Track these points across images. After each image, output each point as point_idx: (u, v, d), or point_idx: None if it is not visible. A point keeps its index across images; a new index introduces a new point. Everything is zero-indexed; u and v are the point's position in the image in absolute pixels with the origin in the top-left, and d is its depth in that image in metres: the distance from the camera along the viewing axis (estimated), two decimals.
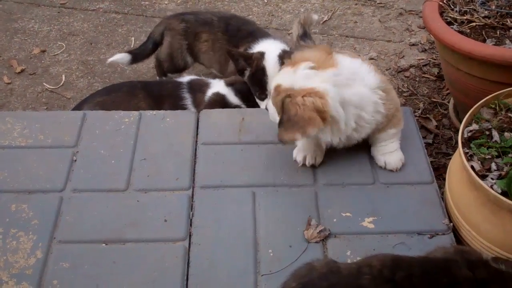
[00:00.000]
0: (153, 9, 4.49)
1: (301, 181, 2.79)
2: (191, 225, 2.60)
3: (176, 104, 3.32)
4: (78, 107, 3.35)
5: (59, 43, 4.14)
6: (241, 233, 2.57)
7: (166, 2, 4.56)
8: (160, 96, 3.36)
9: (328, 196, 2.72)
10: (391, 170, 2.83)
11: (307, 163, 2.84)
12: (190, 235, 2.56)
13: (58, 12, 4.44)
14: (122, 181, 2.77)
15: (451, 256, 2.09)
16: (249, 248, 2.51)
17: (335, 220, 2.62)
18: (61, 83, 3.83)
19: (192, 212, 2.65)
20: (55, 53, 4.06)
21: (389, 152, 2.84)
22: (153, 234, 2.56)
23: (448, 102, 3.62)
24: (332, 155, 2.89)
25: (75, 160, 2.87)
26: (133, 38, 4.19)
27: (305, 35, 3.05)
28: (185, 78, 3.47)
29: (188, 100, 3.36)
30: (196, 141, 2.98)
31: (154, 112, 3.12)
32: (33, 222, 2.59)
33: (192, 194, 2.73)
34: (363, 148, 2.91)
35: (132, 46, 4.11)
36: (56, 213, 2.62)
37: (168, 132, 3.02)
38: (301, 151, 2.85)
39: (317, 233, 2.55)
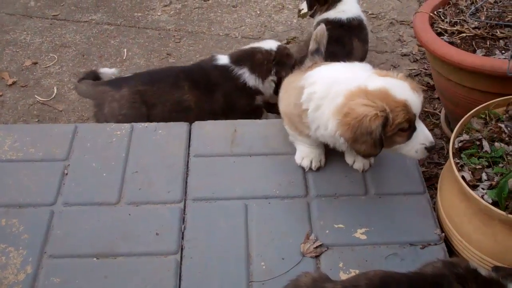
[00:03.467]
0: (146, 20, 4.50)
1: (294, 193, 2.79)
2: (183, 238, 2.60)
3: (231, 90, 3.36)
4: (117, 86, 3.27)
5: (51, 55, 4.14)
6: (233, 246, 2.56)
7: (159, 13, 4.56)
8: (209, 84, 3.34)
9: (320, 208, 2.72)
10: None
11: (313, 167, 2.86)
12: (182, 249, 2.55)
13: (50, 24, 4.44)
14: (113, 194, 2.76)
15: (440, 271, 2.09)
16: (242, 261, 2.51)
17: (327, 231, 2.62)
18: (53, 95, 3.82)
19: (184, 225, 2.65)
20: (47, 65, 4.05)
21: None
22: (145, 247, 2.55)
23: (440, 112, 3.63)
24: (324, 166, 2.89)
25: (66, 174, 2.86)
26: (125, 50, 4.19)
27: (317, 52, 3.06)
28: (222, 58, 3.45)
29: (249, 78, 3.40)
30: (188, 153, 2.98)
31: (146, 124, 3.12)
32: (23, 236, 2.58)
33: (184, 207, 2.72)
34: None
35: (124, 58, 4.11)
36: (47, 227, 2.61)
37: (160, 144, 3.01)
38: (306, 156, 2.87)
39: (314, 248, 2.55)
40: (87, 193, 2.77)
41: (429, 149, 2.48)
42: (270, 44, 3.52)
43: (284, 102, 2.86)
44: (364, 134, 2.36)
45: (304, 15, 3.88)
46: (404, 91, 2.43)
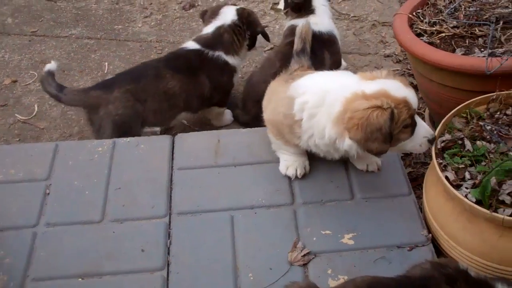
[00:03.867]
0: (127, 33, 4.47)
1: (280, 201, 2.77)
2: (169, 253, 2.57)
3: (214, 71, 3.46)
4: (107, 88, 3.30)
5: (31, 72, 4.11)
6: (220, 258, 2.54)
7: (139, 25, 4.54)
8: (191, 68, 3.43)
9: (307, 215, 2.71)
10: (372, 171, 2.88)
11: (298, 174, 2.85)
12: (168, 264, 2.53)
13: (29, 41, 4.40)
14: (97, 212, 2.74)
15: (428, 273, 2.07)
16: (229, 273, 2.49)
17: (315, 238, 2.61)
18: (34, 113, 3.79)
19: (169, 240, 2.62)
20: (27, 83, 4.02)
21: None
22: (131, 265, 2.53)
23: (424, 111, 3.62)
24: (309, 172, 2.88)
25: (48, 193, 2.83)
26: (106, 63, 4.16)
27: (302, 52, 3.04)
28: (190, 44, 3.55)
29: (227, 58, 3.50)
30: (172, 167, 2.96)
31: (128, 139, 3.10)
32: (5, 261, 2.54)
33: (169, 222, 2.70)
34: (339, 164, 2.91)
35: (106, 71, 4.08)
36: (29, 249, 2.58)
37: (142, 159, 2.99)
38: (290, 165, 2.86)
39: (302, 256, 2.53)
40: (70, 212, 2.75)
41: (432, 141, 2.51)
42: (229, 15, 3.57)
43: (270, 111, 2.83)
44: (374, 131, 2.37)
45: (277, 10, 3.89)
46: (401, 89, 2.47)
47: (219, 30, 3.54)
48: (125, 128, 3.28)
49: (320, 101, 2.53)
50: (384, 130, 2.37)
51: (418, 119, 2.52)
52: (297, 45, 3.06)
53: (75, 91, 3.40)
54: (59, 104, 3.80)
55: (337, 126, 2.46)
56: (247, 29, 3.59)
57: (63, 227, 2.69)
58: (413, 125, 2.49)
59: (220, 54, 3.50)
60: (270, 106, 2.84)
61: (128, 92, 3.30)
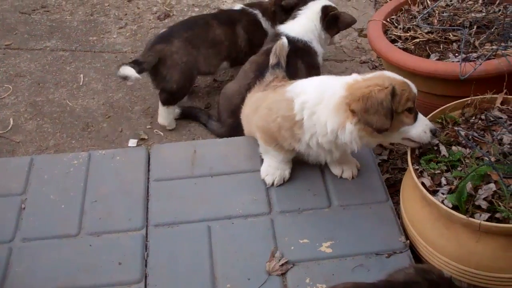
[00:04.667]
0: (101, 44, 4.44)
1: (257, 211, 2.77)
2: (146, 266, 2.55)
3: (249, 25, 3.83)
4: (167, 41, 3.60)
5: (6, 85, 4.06)
6: (198, 269, 2.53)
7: (114, 36, 4.51)
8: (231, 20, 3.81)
9: (284, 224, 2.70)
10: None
11: (275, 184, 2.86)
12: (146, 277, 2.51)
13: (4, 54, 4.36)
14: (73, 226, 2.71)
15: (412, 278, 2.07)
16: (207, 284, 2.47)
17: (292, 248, 2.60)
18: (9, 127, 3.74)
19: (147, 252, 2.60)
20: (2, 96, 3.97)
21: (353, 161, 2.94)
22: (108, 279, 2.50)
23: None
24: (287, 181, 2.88)
25: (24, 208, 2.80)
26: (82, 75, 4.13)
27: (277, 65, 3.11)
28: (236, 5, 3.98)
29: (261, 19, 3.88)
30: (148, 178, 2.94)
31: (104, 151, 3.07)
32: None
33: (146, 234, 2.68)
34: (316, 171, 2.91)
35: (81, 83, 4.05)
36: (4, 265, 2.55)
37: (118, 171, 2.97)
38: (271, 173, 2.87)
39: (280, 266, 2.52)
40: (46, 226, 2.72)
41: (434, 132, 2.58)
42: None
43: (261, 118, 2.81)
44: (375, 104, 2.43)
45: None
46: (399, 76, 2.59)
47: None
48: (189, 74, 3.65)
49: (319, 97, 2.59)
50: (385, 104, 2.43)
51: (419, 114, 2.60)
52: (272, 60, 3.13)
53: (145, 54, 3.63)
54: (34, 117, 3.77)
55: (338, 114, 2.52)
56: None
57: (39, 241, 2.66)
58: (416, 112, 2.56)
59: (257, 12, 3.88)
60: (260, 114, 2.84)
61: (186, 40, 3.62)
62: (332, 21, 3.64)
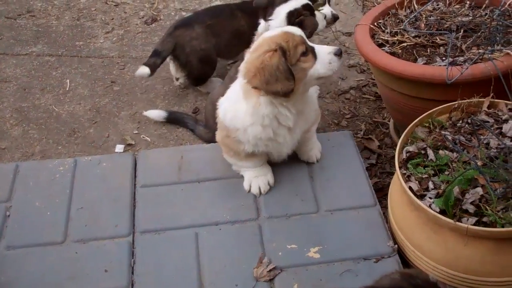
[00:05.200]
0: (88, 49, 4.41)
1: (244, 216, 2.75)
2: (133, 273, 2.54)
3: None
4: (188, 26, 3.74)
5: None
6: (185, 276, 2.51)
7: (101, 41, 4.49)
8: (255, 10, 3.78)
9: (272, 229, 2.69)
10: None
11: (263, 191, 2.86)
12: (132, 284, 2.50)
13: None
14: (59, 233, 2.69)
15: (397, 284, 2.06)
16: None
17: (280, 253, 2.59)
18: None
19: (133, 260, 2.58)
20: None
21: (317, 146, 3.00)
22: (94, 286, 2.49)
23: (389, 121, 3.64)
24: (274, 186, 2.88)
25: (9, 215, 2.78)
26: (68, 81, 4.10)
27: None
28: None
29: None
30: (135, 184, 2.92)
31: (90, 157, 3.05)
32: None
33: (133, 241, 2.66)
34: (304, 176, 2.90)
35: (67, 89, 4.02)
36: None
37: (105, 177, 2.95)
38: (253, 183, 2.87)
39: (267, 271, 2.51)
40: (31, 234, 2.69)
41: (338, 53, 2.61)
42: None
43: (217, 132, 2.89)
44: (273, 72, 2.45)
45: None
46: (276, 29, 2.66)
47: None
48: (208, 60, 3.76)
49: (235, 95, 2.67)
50: (281, 67, 2.45)
51: (315, 44, 2.63)
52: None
53: (163, 41, 3.77)
54: (20, 123, 3.75)
55: (249, 98, 2.58)
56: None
57: (24, 249, 2.63)
58: (311, 50, 2.58)
59: None
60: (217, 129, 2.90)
61: (208, 27, 3.73)
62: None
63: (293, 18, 3.53)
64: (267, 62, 2.45)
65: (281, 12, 3.56)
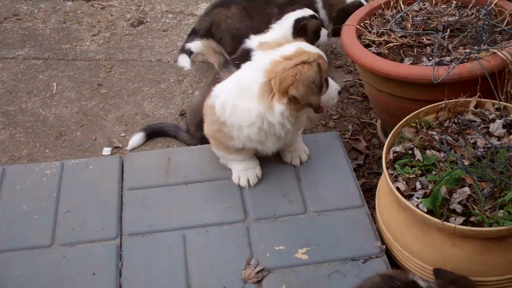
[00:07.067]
0: (75, 52, 4.40)
1: (232, 218, 2.75)
2: (120, 276, 2.52)
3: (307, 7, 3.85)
4: (226, 6, 3.91)
5: None
6: (173, 279, 2.50)
7: (87, 44, 4.47)
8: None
9: (260, 231, 2.69)
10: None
11: (251, 184, 2.88)
12: (120, 287, 2.49)
13: None
14: (46, 237, 2.67)
15: (378, 286, 2.07)
16: None
17: (268, 255, 2.58)
18: None
19: (121, 262, 2.57)
20: None
21: (301, 149, 3.01)
22: None
23: (376, 121, 3.64)
24: (262, 187, 2.87)
25: None
26: (55, 84, 4.08)
27: (227, 62, 3.12)
28: None
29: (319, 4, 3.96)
30: (122, 187, 2.91)
31: (77, 160, 3.04)
32: None
33: (120, 244, 2.65)
34: (292, 177, 2.90)
35: (54, 92, 4.00)
36: None
37: (92, 180, 2.93)
38: (242, 175, 2.88)
39: (255, 273, 2.51)
40: (18, 238, 2.67)
41: (340, 92, 2.78)
42: None
43: (205, 125, 2.89)
44: (311, 84, 2.52)
45: None
46: (311, 46, 2.68)
47: None
48: (240, 39, 3.67)
49: (238, 90, 2.63)
50: (317, 81, 2.53)
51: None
52: (217, 60, 3.15)
53: (201, 20, 3.98)
54: (6, 127, 3.72)
55: (263, 99, 2.55)
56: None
57: (11, 253, 2.61)
58: (327, 79, 2.68)
59: (319, 1, 3.96)
60: (206, 121, 2.89)
61: (243, 9, 3.88)
62: (302, 32, 3.65)
63: (299, 25, 3.67)
64: (305, 74, 2.50)
65: (289, 18, 3.69)
